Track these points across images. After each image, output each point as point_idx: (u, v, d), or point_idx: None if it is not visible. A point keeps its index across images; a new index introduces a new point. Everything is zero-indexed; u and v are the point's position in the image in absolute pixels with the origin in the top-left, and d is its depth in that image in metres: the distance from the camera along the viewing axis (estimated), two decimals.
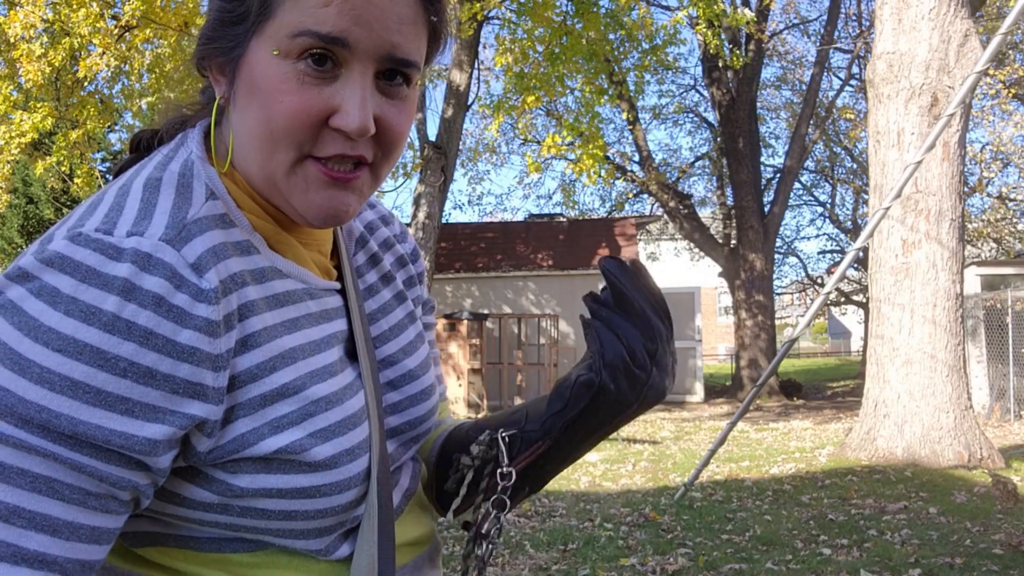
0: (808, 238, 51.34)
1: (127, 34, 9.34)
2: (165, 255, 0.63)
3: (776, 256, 20.51)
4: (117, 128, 14.22)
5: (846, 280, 22.25)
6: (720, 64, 14.88)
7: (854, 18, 18.59)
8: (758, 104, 17.59)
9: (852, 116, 18.64)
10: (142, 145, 0.80)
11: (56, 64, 9.01)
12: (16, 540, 0.58)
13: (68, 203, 16.86)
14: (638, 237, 16.64)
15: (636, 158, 17.99)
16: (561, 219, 16.60)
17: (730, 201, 17.69)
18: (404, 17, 0.69)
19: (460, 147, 12.97)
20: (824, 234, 27.68)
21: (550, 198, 31.67)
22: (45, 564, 0.59)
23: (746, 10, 12.31)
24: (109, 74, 9.98)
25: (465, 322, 12.64)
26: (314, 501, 0.71)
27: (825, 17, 17.19)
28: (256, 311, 0.70)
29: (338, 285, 0.82)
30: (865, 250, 9.04)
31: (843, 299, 23.57)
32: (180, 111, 0.82)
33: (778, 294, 24.74)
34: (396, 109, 0.72)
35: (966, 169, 9.29)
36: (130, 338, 0.60)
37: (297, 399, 0.70)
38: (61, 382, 0.59)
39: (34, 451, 0.59)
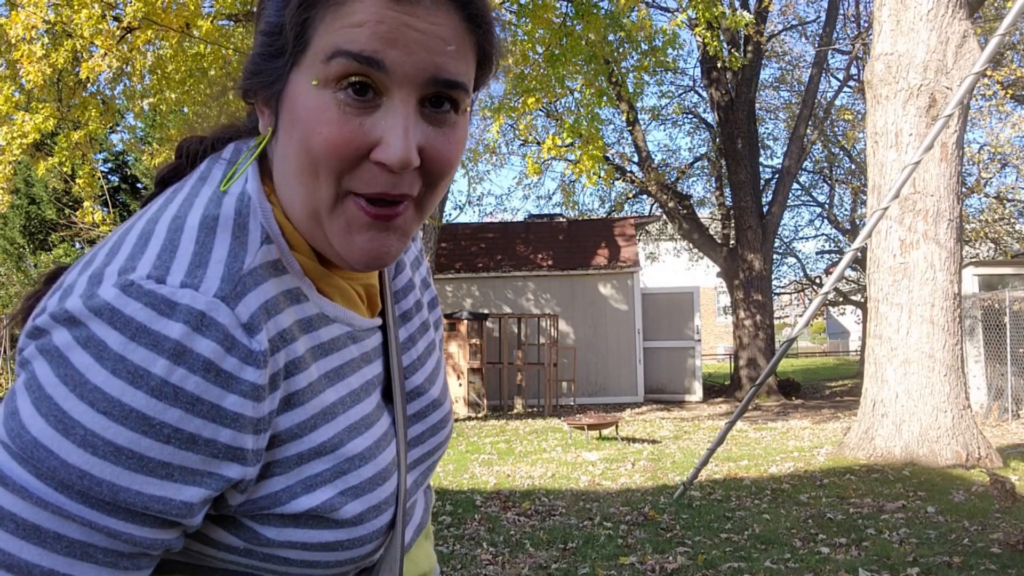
0: (806, 238, 51.15)
1: (129, 35, 9.35)
2: (219, 315, 0.62)
3: (775, 256, 20.55)
4: (119, 129, 14.24)
5: (844, 280, 22.26)
6: (719, 65, 14.91)
7: (852, 19, 18.61)
8: (757, 105, 17.59)
9: (850, 117, 18.64)
10: (187, 153, 0.79)
11: (58, 65, 9.02)
12: None
13: (70, 203, 16.86)
14: (637, 237, 16.66)
15: (635, 159, 18.00)
16: (561, 219, 16.61)
17: (729, 201, 17.71)
18: (446, 37, 0.66)
19: None
20: (822, 234, 27.68)
21: (550, 198, 31.68)
22: None
23: (745, 12, 12.32)
24: (111, 75, 10.00)
25: (465, 322, 12.66)
26: (336, 554, 0.72)
27: (823, 18, 17.21)
28: (302, 367, 0.69)
29: (379, 322, 0.81)
30: (863, 250, 9.07)
31: (841, 299, 23.58)
32: (227, 128, 0.81)
33: (777, 294, 24.76)
34: (444, 138, 0.68)
35: (964, 170, 9.32)
36: (176, 404, 0.59)
37: (333, 456, 0.71)
38: (104, 447, 0.58)
39: (72, 518, 0.59)
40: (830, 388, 18.51)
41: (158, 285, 0.61)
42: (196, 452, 0.61)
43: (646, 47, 10.82)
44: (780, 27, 19.44)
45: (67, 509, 0.59)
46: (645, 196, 19.02)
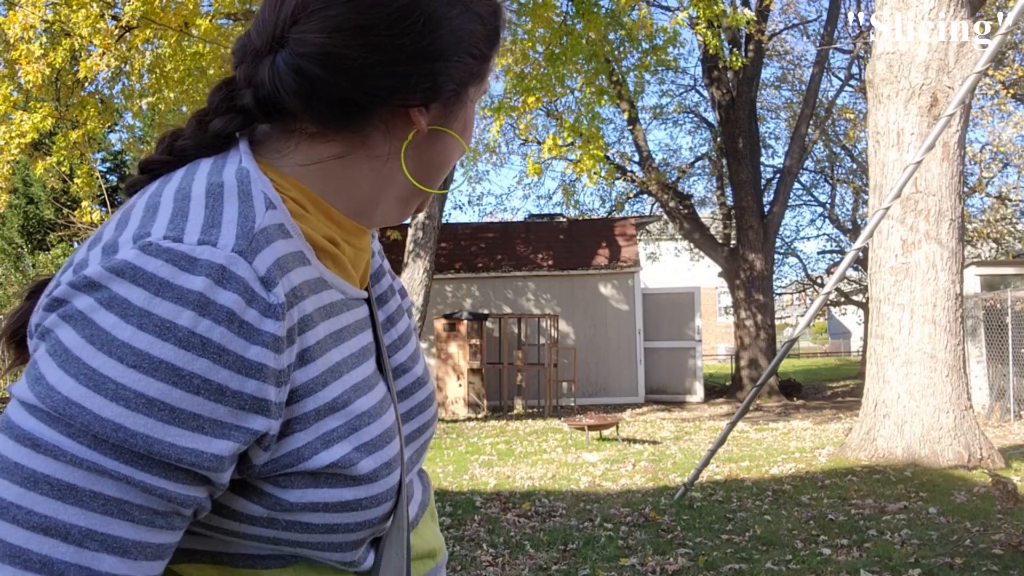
0: (808, 238, 51.30)
1: (127, 34, 9.33)
2: (239, 268, 0.63)
3: (776, 256, 20.50)
4: (117, 128, 14.23)
5: (846, 280, 22.23)
6: (720, 64, 14.88)
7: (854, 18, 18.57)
8: (758, 104, 17.56)
9: (852, 116, 18.62)
10: (175, 149, 0.77)
11: (56, 65, 9.00)
12: (89, 563, 0.59)
13: (68, 203, 16.85)
14: (638, 237, 16.63)
15: (636, 158, 17.97)
16: (561, 219, 16.58)
17: (730, 201, 17.68)
18: None
19: None
20: (824, 234, 27.74)
21: (550, 198, 31.67)
22: None
23: (746, 10, 12.29)
24: (109, 74, 9.98)
25: (465, 322, 12.63)
26: (355, 514, 0.73)
27: (824, 17, 17.18)
28: (312, 324, 0.71)
29: (366, 294, 0.83)
30: (865, 250, 9.04)
31: (843, 299, 23.55)
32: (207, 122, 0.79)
33: (778, 294, 24.73)
34: None
35: (966, 169, 9.30)
36: (204, 354, 0.60)
37: (344, 413, 0.72)
38: (137, 399, 0.58)
39: (107, 473, 0.59)
40: (831, 388, 18.48)
41: (176, 243, 0.62)
42: (224, 404, 0.61)
43: (647, 46, 10.80)
44: (781, 26, 19.43)
45: (102, 465, 0.59)
46: (646, 196, 18.99)
